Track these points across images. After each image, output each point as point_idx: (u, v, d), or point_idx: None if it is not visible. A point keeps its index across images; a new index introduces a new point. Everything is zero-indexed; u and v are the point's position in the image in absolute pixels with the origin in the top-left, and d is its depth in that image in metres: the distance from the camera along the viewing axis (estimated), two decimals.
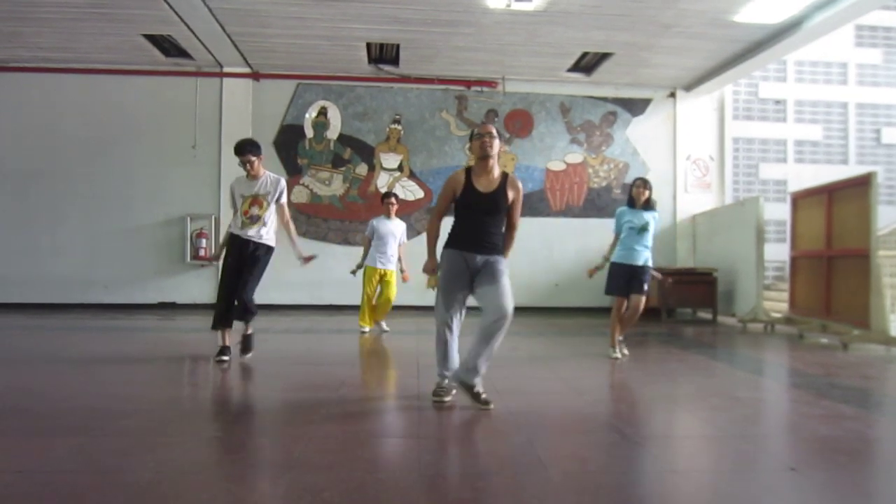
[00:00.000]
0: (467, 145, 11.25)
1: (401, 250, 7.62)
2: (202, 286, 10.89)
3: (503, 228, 4.06)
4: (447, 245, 4.03)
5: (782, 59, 11.10)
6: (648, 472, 2.91)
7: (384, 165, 11.23)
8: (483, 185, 3.94)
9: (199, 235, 10.75)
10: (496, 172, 3.99)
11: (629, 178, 11.51)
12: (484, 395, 3.87)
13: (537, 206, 11.16)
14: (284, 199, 5.53)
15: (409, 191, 11.10)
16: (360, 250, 7.95)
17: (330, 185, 11.04)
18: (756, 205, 9.08)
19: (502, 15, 8.53)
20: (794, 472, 2.82)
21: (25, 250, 10.62)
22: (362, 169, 11.18)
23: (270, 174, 5.53)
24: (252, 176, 5.43)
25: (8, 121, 10.71)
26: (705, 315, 10.18)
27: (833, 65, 12.06)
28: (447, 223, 4.05)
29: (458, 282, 3.95)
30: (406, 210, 10.65)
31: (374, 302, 7.59)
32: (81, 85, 10.75)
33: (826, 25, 8.47)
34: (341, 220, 11.00)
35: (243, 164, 5.36)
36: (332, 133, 11.15)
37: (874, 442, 3.45)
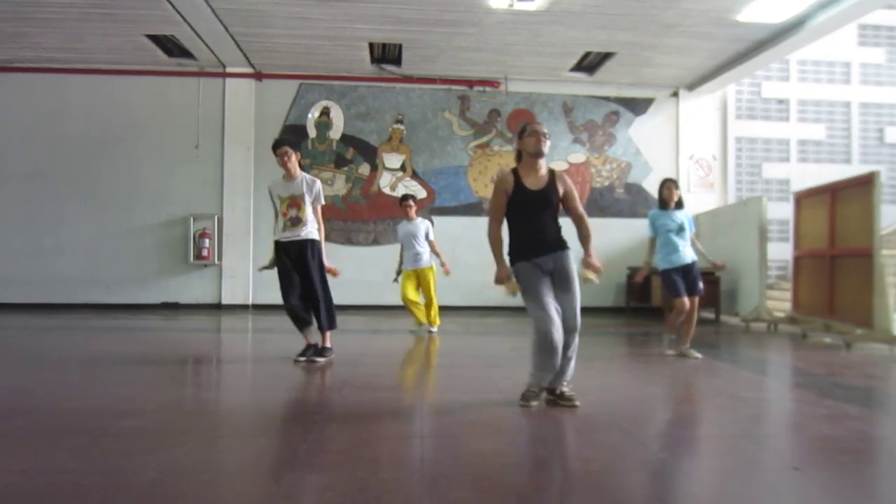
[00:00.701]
0: (472, 144, 11.27)
1: (434, 246, 7.48)
2: (205, 286, 10.91)
3: (559, 223, 4.02)
4: (515, 259, 3.96)
5: (785, 58, 11.08)
6: (652, 471, 2.90)
7: (387, 165, 11.23)
8: (532, 183, 3.92)
9: (203, 235, 10.77)
10: (543, 170, 3.97)
11: (632, 178, 11.52)
12: (569, 393, 3.92)
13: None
14: (321, 202, 5.51)
15: (411, 191, 11.09)
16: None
17: (332, 185, 11.04)
18: (759, 204, 9.06)
19: (505, 15, 8.53)
20: (797, 471, 2.82)
21: (29, 250, 10.65)
22: (365, 169, 11.19)
23: (306, 175, 5.50)
24: (289, 176, 5.42)
25: (11, 121, 10.74)
26: (708, 314, 10.17)
27: (836, 64, 12.03)
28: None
29: (543, 283, 3.89)
30: None
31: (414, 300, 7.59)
32: (85, 85, 10.78)
33: (829, 25, 8.45)
34: (344, 221, 11.00)
35: (280, 157, 5.35)
36: (335, 133, 11.17)
37: (878, 441, 3.44)
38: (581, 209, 4.12)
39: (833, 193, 7.89)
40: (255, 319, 9.43)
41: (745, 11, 8.26)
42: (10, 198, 10.70)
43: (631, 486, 2.70)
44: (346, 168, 11.16)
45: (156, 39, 9.73)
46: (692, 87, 11.34)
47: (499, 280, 3.96)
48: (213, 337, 7.88)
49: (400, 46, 9.92)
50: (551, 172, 4.01)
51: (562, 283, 3.91)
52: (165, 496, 2.40)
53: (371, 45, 9.92)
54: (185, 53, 10.30)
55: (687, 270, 5.92)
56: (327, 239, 5.75)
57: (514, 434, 3.39)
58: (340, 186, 11.12)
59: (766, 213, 9.10)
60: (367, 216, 11.07)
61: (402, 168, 11.25)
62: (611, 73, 10.87)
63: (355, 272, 10.71)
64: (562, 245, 3.96)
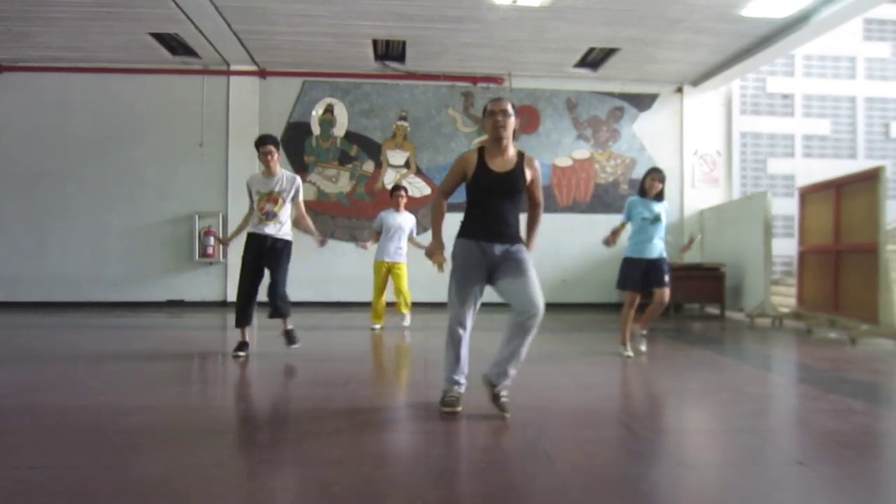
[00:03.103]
0: (476, 141, 11.26)
1: (413, 242, 7.58)
2: (210, 284, 10.94)
3: (520, 214, 3.78)
4: (460, 234, 3.70)
5: (790, 53, 11.04)
6: (656, 465, 2.91)
7: (391, 162, 11.24)
8: (498, 166, 3.64)
9: (207, 233, 10.79)
10: (511, 152, 3.69)
11: (636, 174, 11.48)
12: (504, 400, 3.61)
13: (544, 201, 11.11)
14: (301, 197, 5.69)
15: (415, 187, 11.09)
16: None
17: (337, 182, 11.06)
18: (764, 200, 9.04)
19: (508, 11, 8.51)
20: (802, 466, 2.82)
21: (34, 249, 10.69)
22: (369, 166, 11.19)
23: (286, 172, 5.67)
24: (269, 173, 5.57)
25: (17, 120, 10.77)
26: (713, 310, 10.16)
27: (841, 59, 11.98)
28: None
29: (474, 274, 3.61)
30: (413, 207, 10.64)
31: (383, 298, 7.60)
32: (89, 84, 10.80)
33: (834, 19, 8.41)
34: (348, 218, 11.01)
35: (264, 155, 5.48)
36: (339, 130, 11.17)
37: (883, 436, 3.44)
38: (541, 198, 3.91)
39: (838, 189, 7.87)
40: (260, 316, 9.44)
41: (750, 7, 8.23)
42: (16, 196, 10.73)
43: (634, 480, 2.70)
44: (350, 165, 11.16)
45: (160, 38, 9.74)
46: (696, 82, 11.30)
47: (430, 253, 3.79)
48: (218, 334, 7.91)
49: (403, 43, 9.92)
50: (520, 156, 3.73)
51: (512, 268, 3.60)
52: (172, 492, 2.42)
53: (375, 42, 9.91)
54: (189, 52, 10.31)
55: (652, 266, 5.82)
56: (332, 236, 5.84)
57: (519, 429, 3.40)
58: (345, 184, 11.12)
59: (771, 208, 9.08)
60: (371, 213, 11.04)
61: (407, 165, 11.25)
62: (615, 69, 10.84)
63: (359, 269, 10.74)
64: (517, 239, 3.71)
